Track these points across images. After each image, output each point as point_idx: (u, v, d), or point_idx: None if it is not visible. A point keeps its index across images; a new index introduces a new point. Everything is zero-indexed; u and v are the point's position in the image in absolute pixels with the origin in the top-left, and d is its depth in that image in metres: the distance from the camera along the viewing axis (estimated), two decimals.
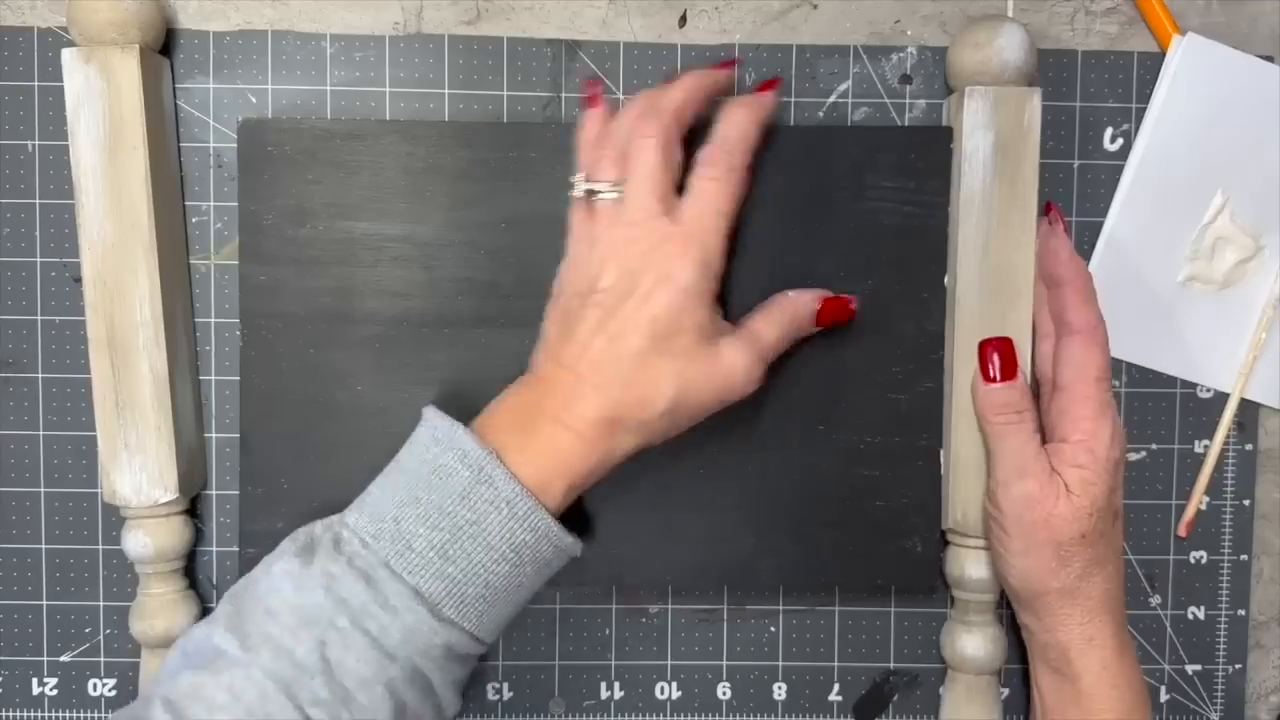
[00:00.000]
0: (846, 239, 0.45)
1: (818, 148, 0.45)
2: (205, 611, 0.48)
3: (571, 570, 0.44)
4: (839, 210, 0.45)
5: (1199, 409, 0.49)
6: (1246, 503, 0.50)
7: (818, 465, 0.46)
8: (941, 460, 0.46)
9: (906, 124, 0.48)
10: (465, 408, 0.44)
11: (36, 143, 0.47)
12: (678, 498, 0.45)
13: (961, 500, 0.45)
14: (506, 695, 0.49)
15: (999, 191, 0.44)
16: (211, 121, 0.47)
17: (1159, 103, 0.48)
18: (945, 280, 0.45)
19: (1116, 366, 0.49)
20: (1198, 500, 0.49)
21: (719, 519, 0.46)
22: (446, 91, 0.48)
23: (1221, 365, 0.49)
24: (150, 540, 0.45)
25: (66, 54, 0.43)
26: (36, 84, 0.47)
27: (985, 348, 0.43)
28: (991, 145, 0.44)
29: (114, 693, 0.49)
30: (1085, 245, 0.48)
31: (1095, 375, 0.42)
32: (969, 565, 0.46)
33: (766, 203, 0.45)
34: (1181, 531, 0.49)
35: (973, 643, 0.46)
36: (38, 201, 0.47)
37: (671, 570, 0.46)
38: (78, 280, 0.47)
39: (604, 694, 0.50)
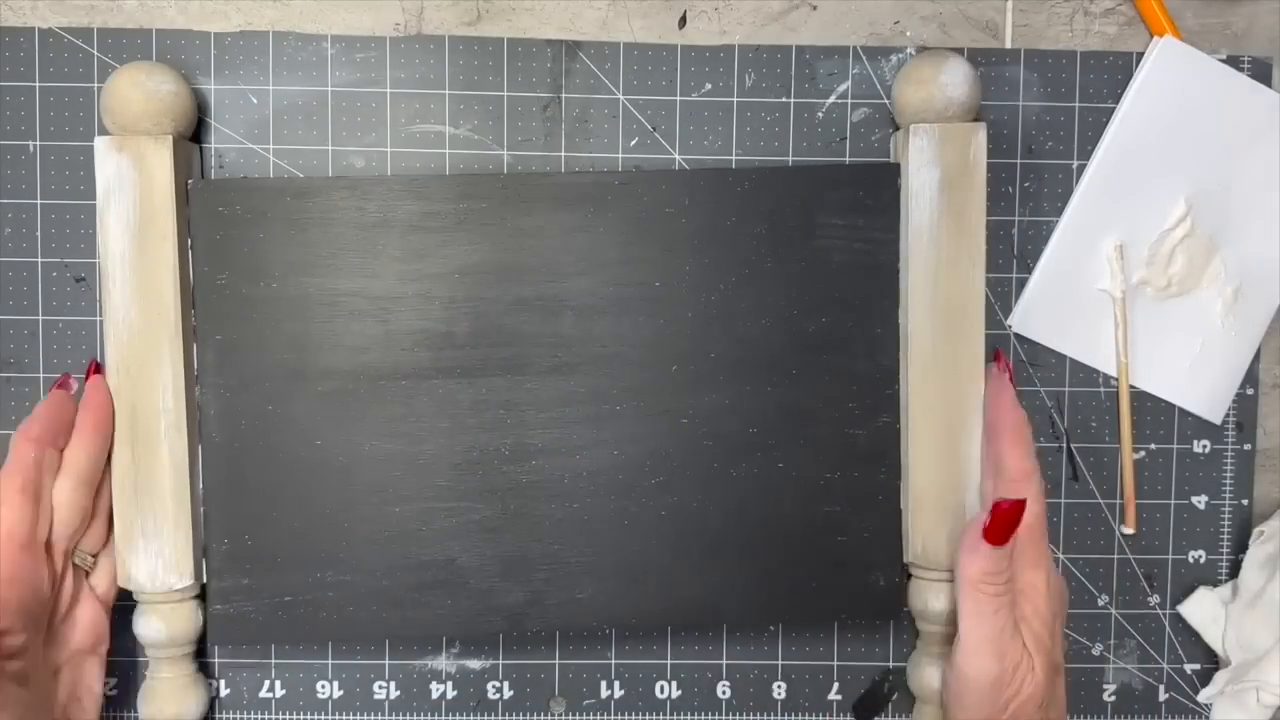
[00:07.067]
0: (798, 277, 0.45)
1: (766, 188, 0.45)
2: (215, 696, 0.49)
3: (524, 616, 0.45)
4: (790, 249, 0.45)
5: None
6: (1245, 502, 0.50)
7: (779, 503, 0.46)
8: (901, 494, 0.46)
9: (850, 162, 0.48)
10: (427, 457, 0.45)
11: (37, 143, 0.47)
12: (638, 540, 0.46)
13: (922, 533, 0.45)
14: (506, 694, 0.49)
15: (946, 227, 0.44)
16: (213, 123, 0.47)
17: (1126, 104, 0.48)
18: (899, 317, 0.46)
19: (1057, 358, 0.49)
20: (1133, 495, 0.49)
21: (680, 559, 0.46)
22: (447, 92, 0.48)
23: (1159, 370, 0.49)
24: (163, 625, 0.45)
25: (99, 142, 0.43)
26: (37, 84, 0.47)
27: (1000, 510, 0.41)
28: (938, 182, 0.44)
29: (114, 692, 0.48)
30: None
31: (1029, 522, 0.41)
32: (931, 598, 0.45)
33: (718, 243, 0.45)
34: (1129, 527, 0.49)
35: (939, 675, 0.45)
36: (38, 201, 0.47)
37: (633, 612, 0.46)
38: (79, 280, 0.47)
39: (604, 693, 0.50)
